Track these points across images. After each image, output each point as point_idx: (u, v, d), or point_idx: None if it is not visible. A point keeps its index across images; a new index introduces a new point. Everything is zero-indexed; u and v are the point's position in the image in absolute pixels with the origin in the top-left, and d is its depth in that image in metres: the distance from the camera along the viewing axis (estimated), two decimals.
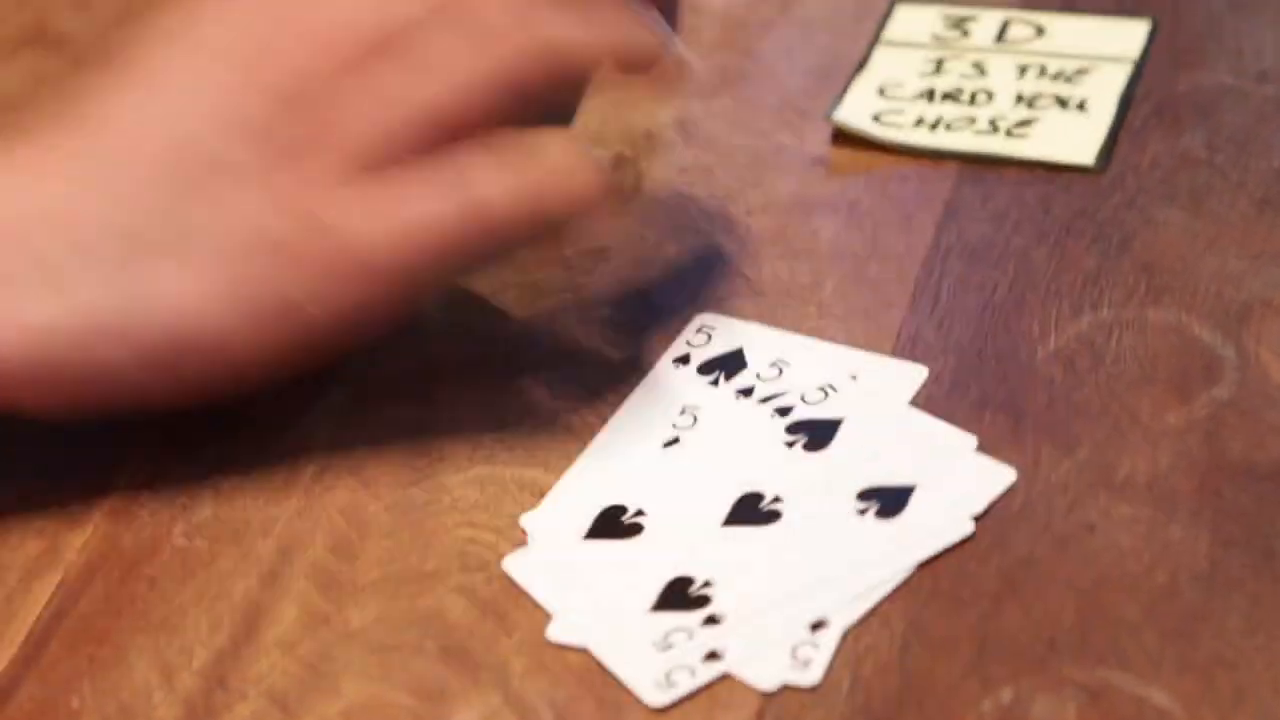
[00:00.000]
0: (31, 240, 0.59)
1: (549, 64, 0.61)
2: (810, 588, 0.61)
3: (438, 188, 0.60)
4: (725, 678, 0.59)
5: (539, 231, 0.64)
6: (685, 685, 0.58)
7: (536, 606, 0.62)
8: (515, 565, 0.63)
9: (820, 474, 0.65)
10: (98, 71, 0.62)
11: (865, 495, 0.64)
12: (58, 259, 0.59)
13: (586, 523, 0.64)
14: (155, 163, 0.59)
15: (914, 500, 0.64)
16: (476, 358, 0.70)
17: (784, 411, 0.67)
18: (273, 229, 0.59)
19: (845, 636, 0.60)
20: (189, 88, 0.61)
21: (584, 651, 0.60)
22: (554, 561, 0.63)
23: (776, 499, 0.64)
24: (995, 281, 0.71)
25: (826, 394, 0.67)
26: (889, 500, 0.64)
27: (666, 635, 0.60)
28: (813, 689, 0.58)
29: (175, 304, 0.59)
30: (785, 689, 0.58)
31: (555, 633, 0.60)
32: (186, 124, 0.60)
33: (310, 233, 0.59)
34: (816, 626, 0.60)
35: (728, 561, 0.62)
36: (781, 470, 0.65)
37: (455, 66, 0.60)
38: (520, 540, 0.64)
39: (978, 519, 0.63)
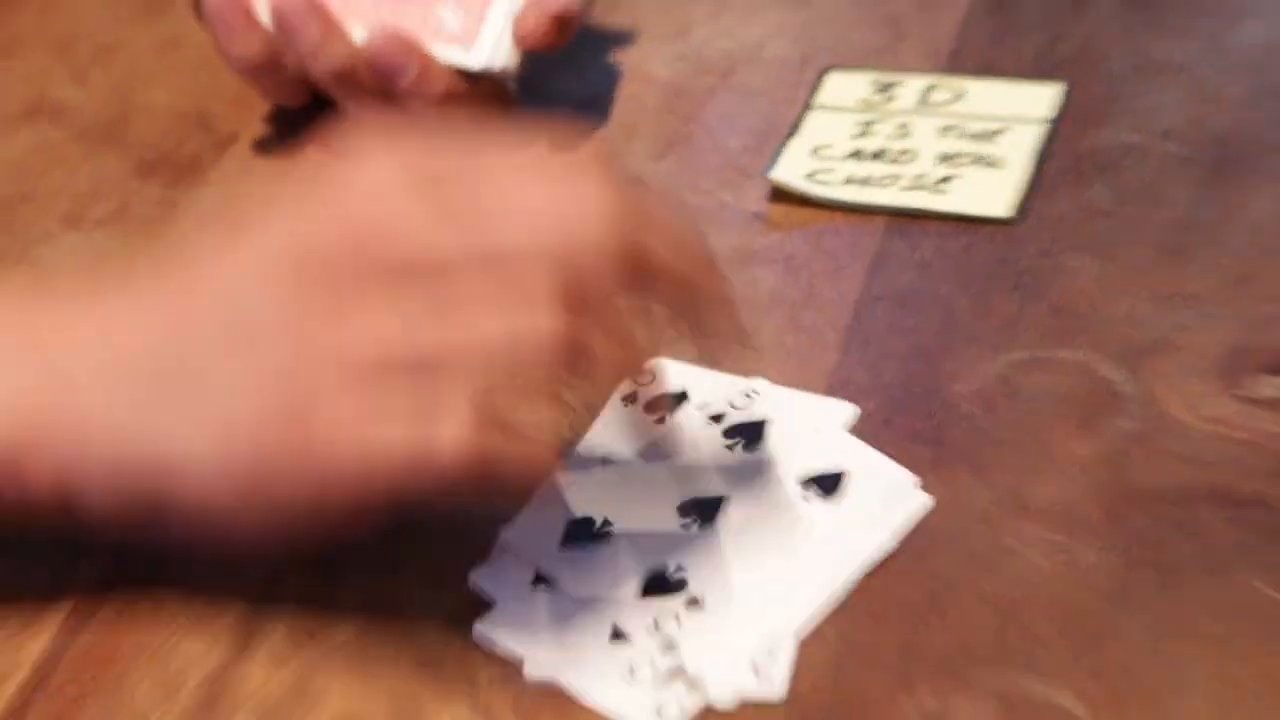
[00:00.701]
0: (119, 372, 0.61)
1: (563, 356, 0.59)
2: (760, 600, 0.64)
3: (411, 419, 0.59)
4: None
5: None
6: (675, 717, 0.60)
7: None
8: (485, 578, 0.66)
9: (760, 469, 0.68)
10: (192, 245, 0.64)
11: (806, 483, 0.67)
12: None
13: (559, 530, 0.67)
14: (206, 326, 0.61)
15: (847, 492, 0.67)
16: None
17: (716, 418, 0.70)
18: (274, 419, 0.60)
19: (800, 651, 0.62)
20: (245, 273, 0.62)
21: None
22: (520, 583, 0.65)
23: (720, 498, 0.67)
24: (920, 326, 0.73)
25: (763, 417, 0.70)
26: (830, 485, 0.67)
27: (630, 664, 0.62)
28: (764, 706, 0.60)
29: (178, 449, 0.60)
30: (743, 703, 0.60)
31: (530, 671, 0.62)
32: (239, 299, 0.61)
33: (295, 437, 0.60)
34: (772, 645, 0.62)
35: (692, 555, 0.65)
36: (723, 469, 0.68)
37: (476, 320, 0.59)
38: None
39: (902, 542, 0.65)
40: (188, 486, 0.60)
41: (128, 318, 0.62)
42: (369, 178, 0.62)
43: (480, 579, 0.65)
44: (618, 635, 0.63)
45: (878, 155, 0.79)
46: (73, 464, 0.61)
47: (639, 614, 0.63)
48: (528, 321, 0.58)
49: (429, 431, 0.58)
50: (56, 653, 0.65)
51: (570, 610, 0.64)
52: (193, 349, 0.61)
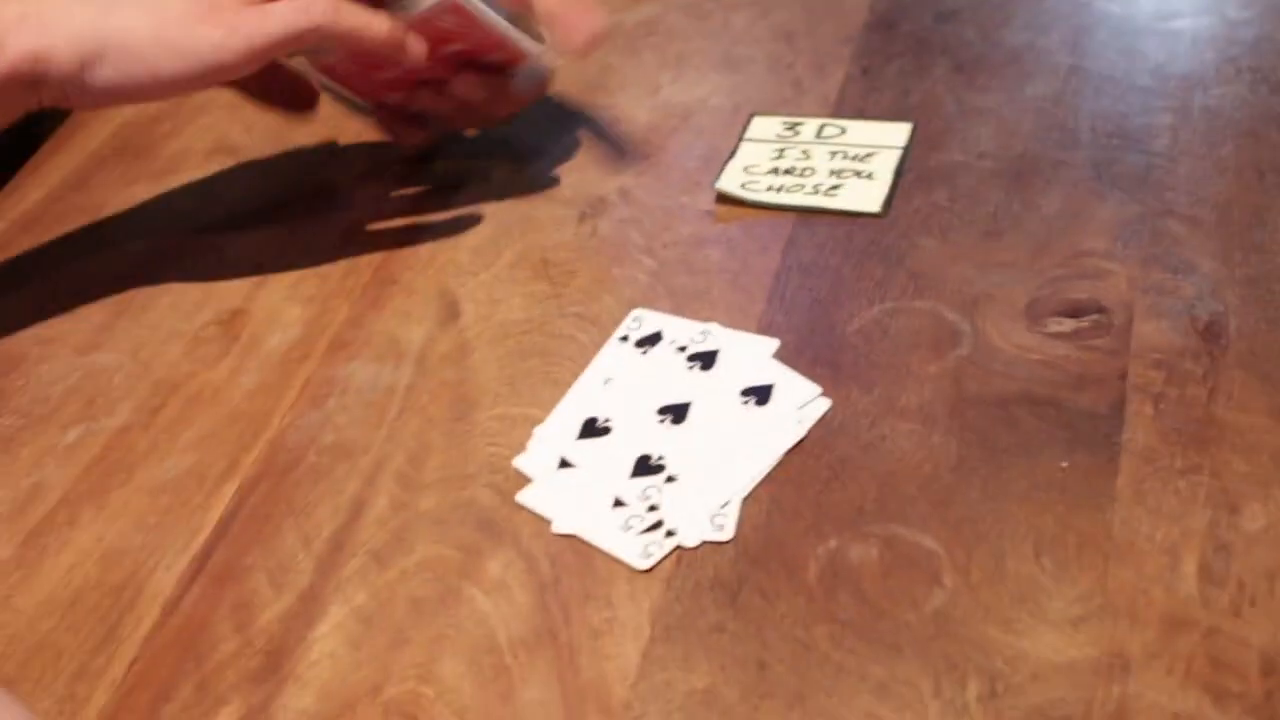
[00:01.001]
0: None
1: None
2: (716, 474, 0.61)
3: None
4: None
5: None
6: (657, 555, 0.58)
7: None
8: (523, 462, 0.63)
9: (713, 383, 0.65)
10: None
11: (745, 393, 0.65)
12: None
13: (576, 429, 0.64)
14: None
15: (773, 399, 0.64)
16: (504, 344, 0.69)
17: (682, 349, 0.68)
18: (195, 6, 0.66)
19: (743, 508, 0.60)
20: None
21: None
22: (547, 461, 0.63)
23: (687, 404, 0.65)
24: (819, 286, 0.71)
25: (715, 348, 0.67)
26: (762, 394, 0.64)
27: (626, 520, 0.60)
28: (718, 544, 0.59)
29: (124, 27, 0.66)
30: (703, 543, 0.59)
31: (556, 527, 0.60)
32: None
33: (215, 16, 0.66)
34: (724, 504, 0.60)
35: (669, 445, 0.63)
36: (688, 384, 0.66)
37: None
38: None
39: (810, 433, 0.63)
40: (127, 48, 0.66)
41: None
42: None
43: (521, 463, 0.63)
44: (618, 502, 0.61)
45: (789, 171, 0.77)
46: (42, 45, 0.65)
47: (632, 487, 0.61)
48: None
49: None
50: (229, 516, 0.62)
51: (584, 484, 0.62)
52: None
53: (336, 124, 0.84)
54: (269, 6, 0.67)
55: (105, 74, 0.66)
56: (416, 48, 0.70)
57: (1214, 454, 0.60)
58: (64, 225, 0.80)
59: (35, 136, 0.87)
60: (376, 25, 0.68)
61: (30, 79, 0.65)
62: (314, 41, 0.68)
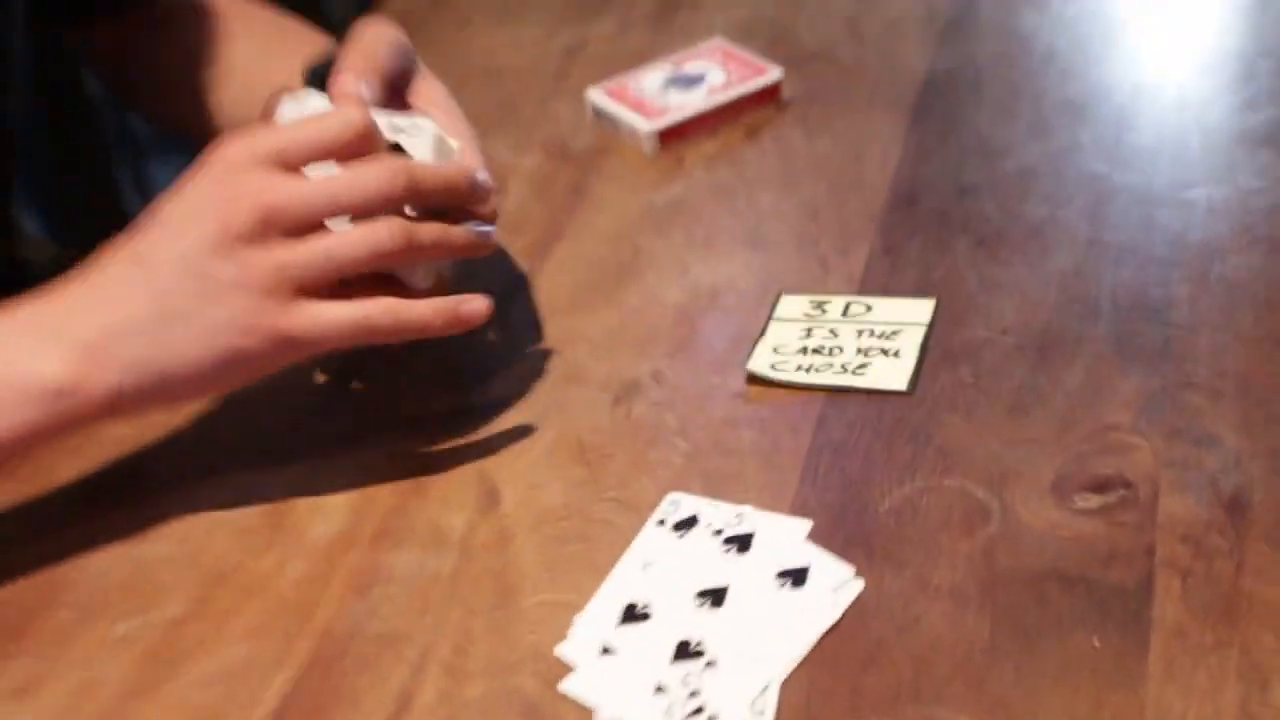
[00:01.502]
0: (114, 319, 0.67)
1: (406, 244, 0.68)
2: (755, 658, 0.62)
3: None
4: None
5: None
6: None
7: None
8: (566, 649, 0.64)
9: (750, 566, 0.67)
10: (136, 231, 0.69)
11: (781, 575, 0.66)
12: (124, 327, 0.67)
13: (617, 615, 0.66)
14: (172, 277, 0.67)
15: (809, 582, 0.66)
16: (543, 530, 0.71)
17: (718, 533, 0.69)
18: (240, 321, 0.67)
19: (781, 692, 0.61)
20: (188, 237, 0.67)
21: None
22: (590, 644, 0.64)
23: (725, 587, 0.66)
24: (851, 466, 0.72)
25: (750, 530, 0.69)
26: (797, 577, 0.66)
27: (669, 707, 0.61)
28: None
29: (182, 356, 0.67)
30: None
31: (600, 715, 0.61)
32: (190, 256, 0.67)
33: (262, 327, 0.67)
34: (764, 689, 0.61)
35: (707, 630, 0.64)
36: (725, 567, 0.67)
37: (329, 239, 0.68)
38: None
39: (845, 614, 0.64)
40: (188, 379, 0.68)
41: (116, 292, 0.68)
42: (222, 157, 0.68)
43: (563, 651, 0.65)
44: (659, 689, 0.62)
45: (817, 350, 0.79)
46: (112, 384, 0.66)
47: (673, 673, 0.63)
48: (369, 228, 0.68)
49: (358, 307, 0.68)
50: (280, 709, 0.62)
51: (625, 671, 0.63)
52: (170, 303, 0.66)
53: None
54: (320, 307, 0.68)
55: (168, 396, 0.70)
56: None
57: (1243, 629, 0.61)
58: None
59: None
60: (424, 312, 0.71)
61: (107, 414, 0.68)
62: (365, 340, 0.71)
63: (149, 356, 0.67)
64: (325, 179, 0.67)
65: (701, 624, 0.64)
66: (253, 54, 0.95)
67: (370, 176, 0.67)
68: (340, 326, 0.68)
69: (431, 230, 0.70)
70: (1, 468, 0.70)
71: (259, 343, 0.67)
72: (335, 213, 0.67)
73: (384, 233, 0.67)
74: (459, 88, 1.05)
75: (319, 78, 0.82)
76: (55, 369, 0.66)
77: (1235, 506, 0.67)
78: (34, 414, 0.66)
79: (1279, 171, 0.90)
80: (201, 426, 0.80)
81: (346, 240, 0.67)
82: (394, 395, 0.81)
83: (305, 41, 0.92)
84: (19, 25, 0.91)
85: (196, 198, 0.68)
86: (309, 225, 0.67)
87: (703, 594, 0.66)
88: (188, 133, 0.99)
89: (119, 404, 0.67)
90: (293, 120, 0.71)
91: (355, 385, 0.83)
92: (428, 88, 0.80)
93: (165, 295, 0.67)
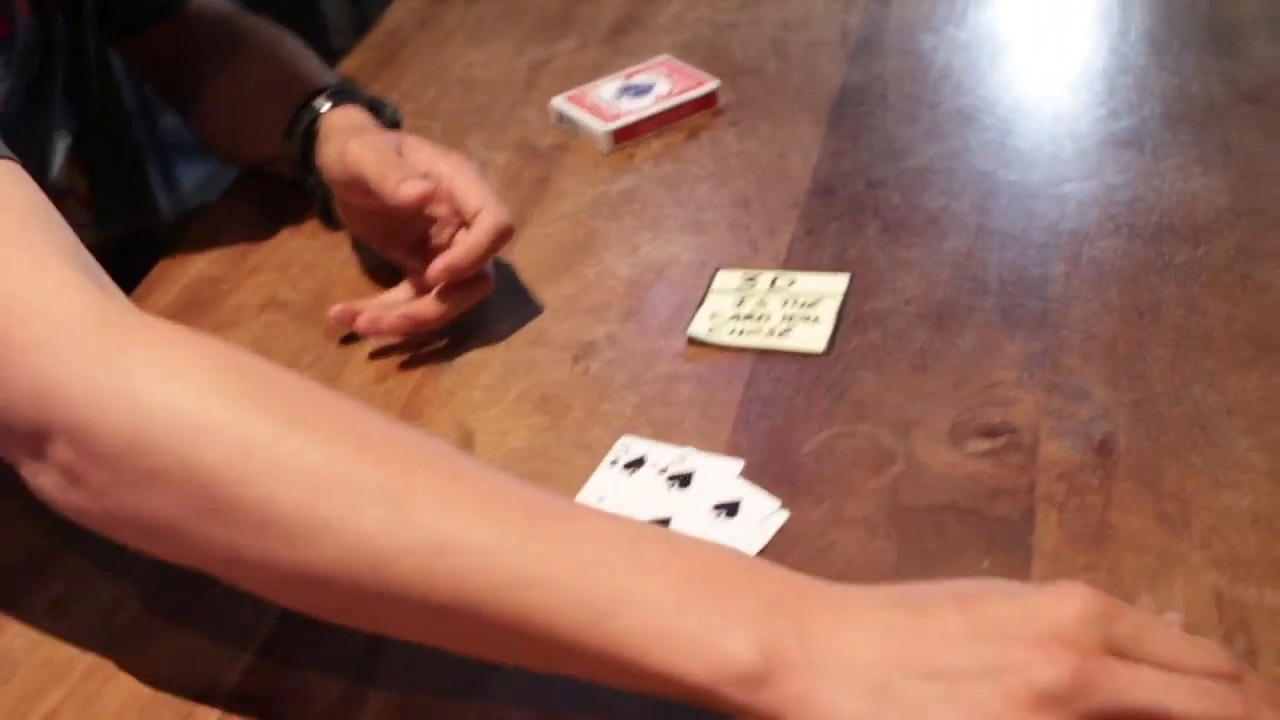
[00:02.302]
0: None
1: None
2: None
3: None
4: None
5: None
6: None
7: None
8: None
9: (690, 500, 0.65)
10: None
11: (717, 508, 0.65)
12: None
13: None
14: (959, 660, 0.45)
15: (741, 513, 0.64)
16: (511, 469, 0.69)
17: (663, 471, 0.67)
18: None
19: None
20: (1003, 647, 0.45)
21: None
22: None
23: (669, 518, 0.65)
24: (777, 415, 0.71)
25: (691, 469, 0.67)
26: (731, 509, 0.65)
27: None
28: None
29: None
30: None
31: None
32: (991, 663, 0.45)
33: None
34: None
35: None
36: (669, 501, 0.65)
37: None
38: None
39: (772, 540, 0.63)
40: None
41: (874, 648, 0.46)
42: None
43: None
44: None
45: (748, 317, 0.77)
46: (790, 705, 0.45)
47: None
48: None
49: None
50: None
51: None
52: (912, 695, 0.44)
53: (371, 281, 0.85)
54: None
55: None
56: None
57: (1110, 553, 0.61)
58: None
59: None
60: None
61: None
62: None
63: None
64: (1163, 679, 0.45)
65: None
66: (266, 75, 0.91)
67: (1209, 698, 0.45)
68: None
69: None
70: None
71: None
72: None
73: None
74: (441, 97, 1.05)
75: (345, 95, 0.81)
76: (753, 657, 0.46)
77: (1104, 450, 0.66)
78: (688, 671, 0.46)
79: (1139, 169, 0.89)
80: None
81: None
82: (383, 354, 0.79)
83: (302, 72, 0.89)
84: (92, 35, 0.88)
85: (1034, 624, 0.45)
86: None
87: (650, 522, 0.64)
88: (237, 151, 0.96)
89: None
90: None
91: (349, 344, 0.81)
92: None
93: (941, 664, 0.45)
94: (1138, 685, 0.44)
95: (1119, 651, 0.45)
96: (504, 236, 0.75)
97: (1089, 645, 0.45)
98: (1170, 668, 0.45)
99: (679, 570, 0.47)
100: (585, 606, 0.46)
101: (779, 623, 0.46)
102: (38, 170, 0.62)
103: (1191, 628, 0.56)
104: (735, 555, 0.50)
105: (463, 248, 0.74)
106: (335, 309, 0.77)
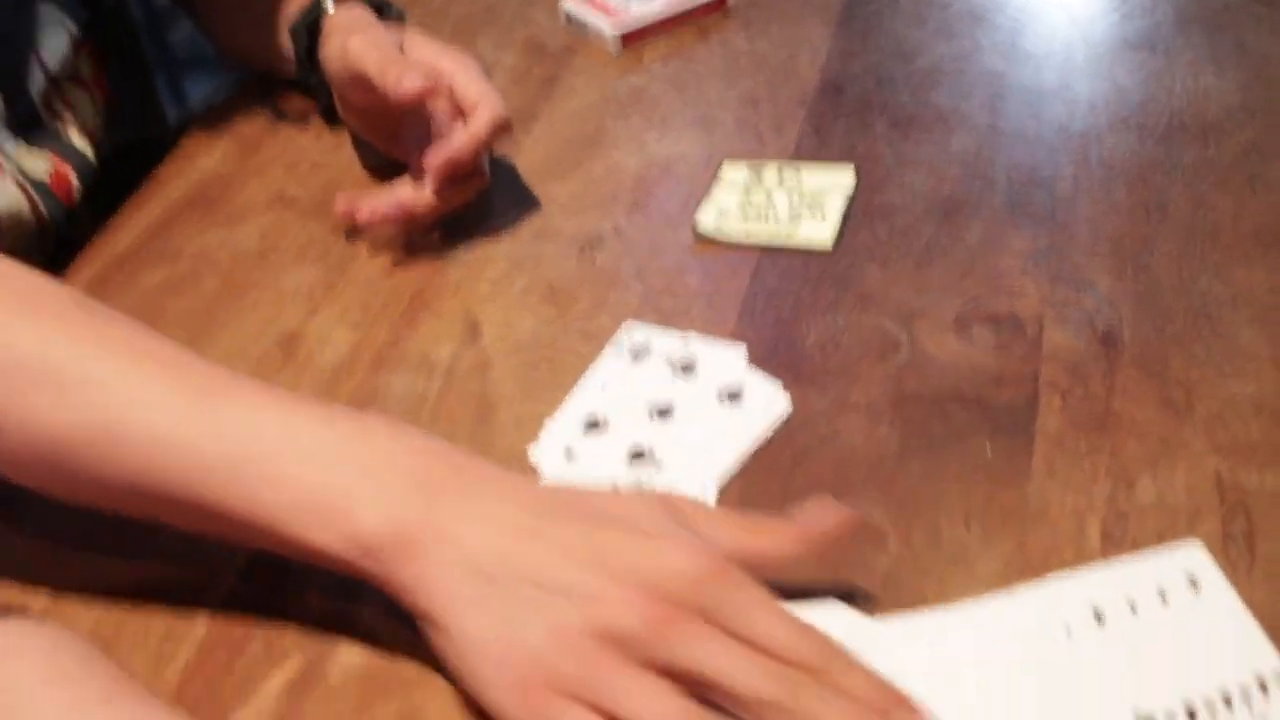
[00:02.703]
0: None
1: None
2: (698, 462, 0.61)
3: None
4: None
5: None
6: None
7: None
8: (536, 454, 0.63)
9: (694, 386, 0.65)
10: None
11: (721, 394, 0.64)
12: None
13: (580, 426, 0.64)
14: (557, 547, 0.48)
15: (745, 400, 0.64)
16: (518, 358, 0.69)
17: (667, 358, 0.67)
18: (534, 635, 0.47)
19: (720, 492, 0.60)
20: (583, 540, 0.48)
21: None
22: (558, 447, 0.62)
23: (672, 404, 0.64)
24: (782, 307, 0.71)
25: (695, 357, 0.67)
26: (735, 395, 0.64)
27: None
28: None
29: (474, 653, 0.48)
30: None
31: None
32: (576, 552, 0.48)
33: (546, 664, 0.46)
34: (705, 487, 0.60)
35: (657, 439, 0.62)
36: (673, 387, 0.65)
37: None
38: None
39: (776, 428, 0.63)
40: (466, 673, 0.48)
41: (494, 541, 0.48)
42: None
43: (533, 454, 0.63)
44: (615, 487, 0.60)
45: (754, 210, 0.77)
46: (407, 580, 0.48)
47: (627, 473, 0.61)
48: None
49: None
50: None
51: (586, 472, 0.61)
52: (512, 595, 0.47)
53: (378, 177, 0.85)
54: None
55: None
56: None
57: (1113, 438, 0.60)
58: (148, 265, 0.80)
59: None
60: None
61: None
62: None
63: (461, 602, 0.48)
64: (734, 655, 0.45)
65: (652, 434, 0.63)
66: None
67: (775, 682, 0.45)
68: None
69: None
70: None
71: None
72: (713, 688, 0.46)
73: None
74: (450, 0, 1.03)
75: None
76: (381, 531, 0.48)
77: (1108, 339, 0.66)
78: (324, 542, 0.49)
79: (1151, 69, 0.88)
80: (226, 274, 0.78)
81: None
82: (390, 247, 0.79)
83: None
84: None
85: (641, 567, 0.47)
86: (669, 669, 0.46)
87: (653, 409, 0.64)
88: (246, 51, 0.95)
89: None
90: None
91: (355, 239, 0.80)
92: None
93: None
94: (708, 654, 0.45)
95: (715, 617, 0.46)
96: (501, 129, 0.74)
97: (683, 602, 0.45)
98: (760, 647, 0.46)
99: (329, 444, 0.50)
100: (236, 481, 0.49)
101: (413, 501, 0.48)
102: (25, 45, 0.61)
103: (1192, 511, 0.57)
104: (394, 430, 0.51)
105: (460, 139, 0.74)
106: (340, 202, 0.77)
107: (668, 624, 0.45)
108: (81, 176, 0.83)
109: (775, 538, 0.50)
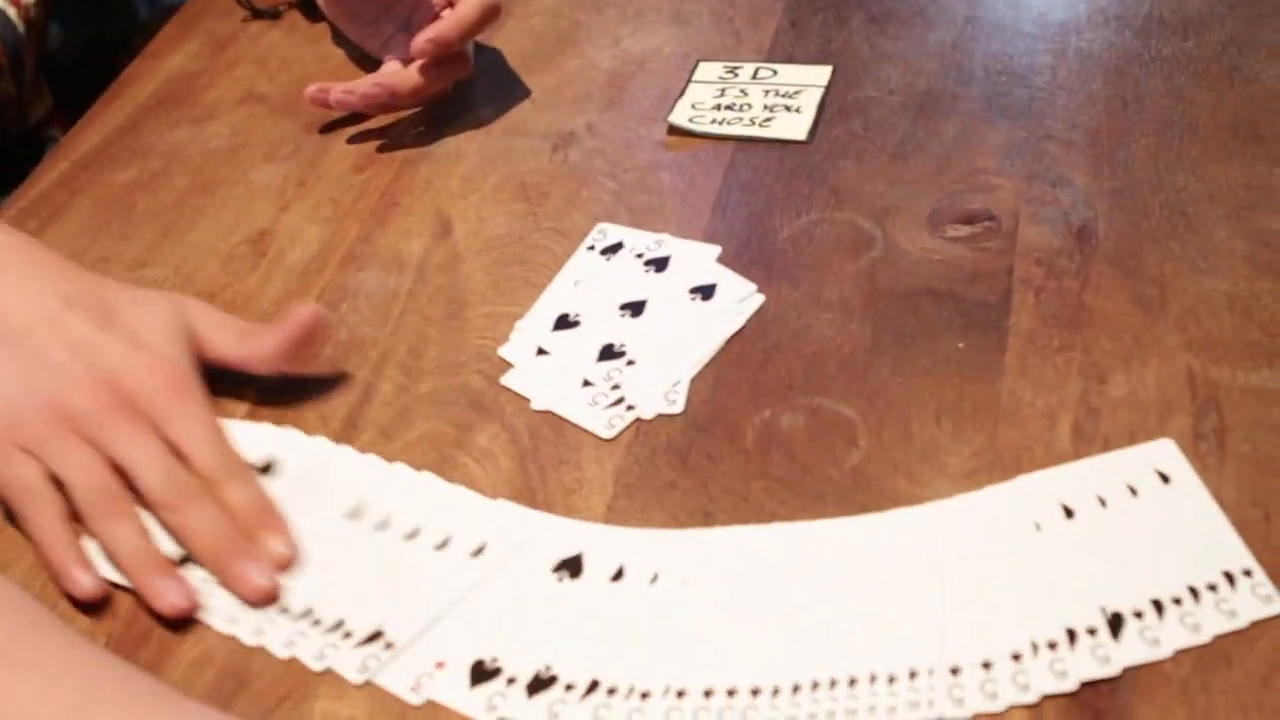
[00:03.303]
0: None
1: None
2: (669, 358, 0.60)
3: None
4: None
5: None
6: (619, 426, 0.57)
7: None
8: (506, 351, 0.61)
9: (666, 283, 0.64)
10: None
11: (693, 291, 0.63)
12: None
13: (551, 323, 0.63)
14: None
15: (716, 296, 0.63)
16: (489, 255, 0.68)
17: (639, 256, 0.66)
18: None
19: (691, 386, 0.59)
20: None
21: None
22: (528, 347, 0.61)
23: (644, 301, 0.63)
24: (755, 202, 0.69)
25: (667, 254, 0.65)
26: (706, 292, 0.63)
27: (593, 397, 0.58)
28: (670, 415, 0.58)
29: None
30: (658, 415, 0.58)
31: (535, 404, 0.59)
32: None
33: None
34: (676, 383, 0.59)
35: (628, 335, 0.61)
36: (644, 284, 0.64)
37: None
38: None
39: (748, 323, 0.62)
40: None
41: (27, 298, 0.56)
42: None
43: (505, 352, 0.62)
44: (586, 383, 0.59)
45: (729, 107, 0.75)
46: None
47: (598, 370, 0.60)
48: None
49: None
50: (257, 398, 0.59)
51: (557, 369, 0.60)
52: (38, 340, 0.54)
53: (349, 74, 0.82)
54: None
55: None
56: None
57: (1085, 335, 0.59)
58: (118, 163, 0.77)
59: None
60: None
61: None
62: None
63: None
64: (149, 452, 0.53)
65: (623, 330, 0.61)
66: None
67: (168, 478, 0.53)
68: None
69: None
70: None
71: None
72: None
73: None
74: None
75: None
76: None
77: (1083, 235, 0.65)
78: None
79: None
80: (196, 171, 0.76)
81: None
82: (361, 141, 0.77)
83: None
84: None
85: (108, 359, 0.55)
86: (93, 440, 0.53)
87: (625, 306, 0.63)
88: None
89: None
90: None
91: (327, 134, 0.78)
92: None
93: None
94: (129, 446, 0.52)
95: (158, 423, 0.53)
96: (491, 13, 0.72)
97: (132, 402, 0.53)
98: (182, 453, 0.53)
99: None
100: None
101: None
102: None
103: (1164, 407, 0.56)
104: None
105: (449, 20, 0.71)
106: (311, 88, 0.74)
107: (111, 413, 0.52)
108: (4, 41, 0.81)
109: (263, 340, 0.58)
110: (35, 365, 0.53)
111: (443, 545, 0.53)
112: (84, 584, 0.51)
